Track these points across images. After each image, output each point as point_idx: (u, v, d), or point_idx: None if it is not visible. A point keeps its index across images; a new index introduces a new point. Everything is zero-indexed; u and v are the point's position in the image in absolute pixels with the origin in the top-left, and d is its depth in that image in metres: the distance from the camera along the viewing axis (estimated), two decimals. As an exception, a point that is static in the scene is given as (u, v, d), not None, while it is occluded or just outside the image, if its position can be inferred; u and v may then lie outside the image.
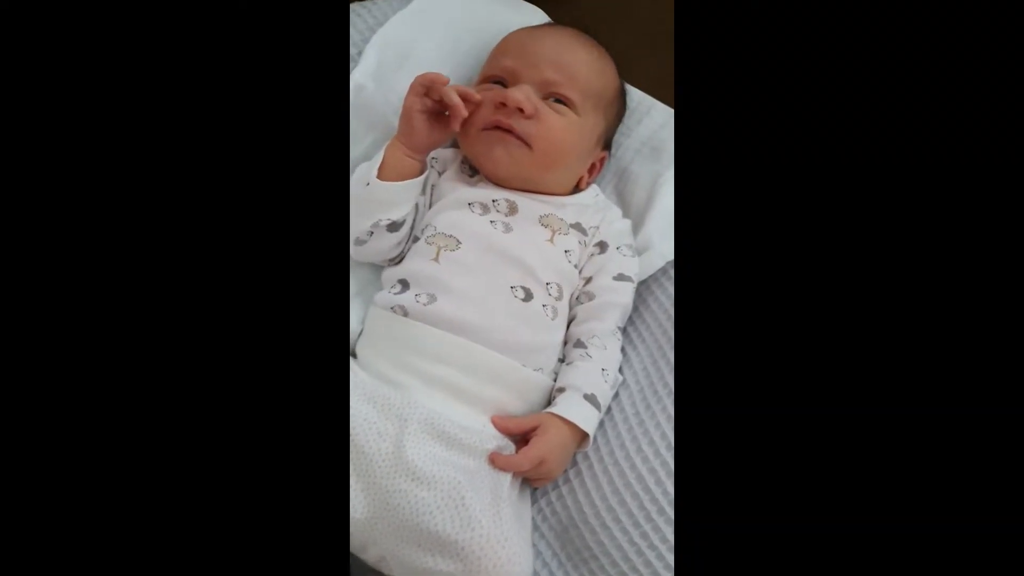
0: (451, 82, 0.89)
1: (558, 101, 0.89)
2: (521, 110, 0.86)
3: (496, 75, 0.91)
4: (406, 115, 0.87)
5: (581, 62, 0.91)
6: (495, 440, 0.79)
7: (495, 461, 0.77)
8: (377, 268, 0.93)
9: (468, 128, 0.89)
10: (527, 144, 0.87)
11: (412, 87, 0.87)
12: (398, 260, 0.91)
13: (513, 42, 0.94)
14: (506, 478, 0.77)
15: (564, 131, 0.88)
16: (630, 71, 1.03)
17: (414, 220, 0.91)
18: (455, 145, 0.96)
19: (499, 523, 0.73)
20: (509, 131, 0.86)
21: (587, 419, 0.81)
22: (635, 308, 0.93)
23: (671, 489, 0.79)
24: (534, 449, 0.78)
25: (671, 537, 0.77)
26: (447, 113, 0.87)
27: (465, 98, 0.86)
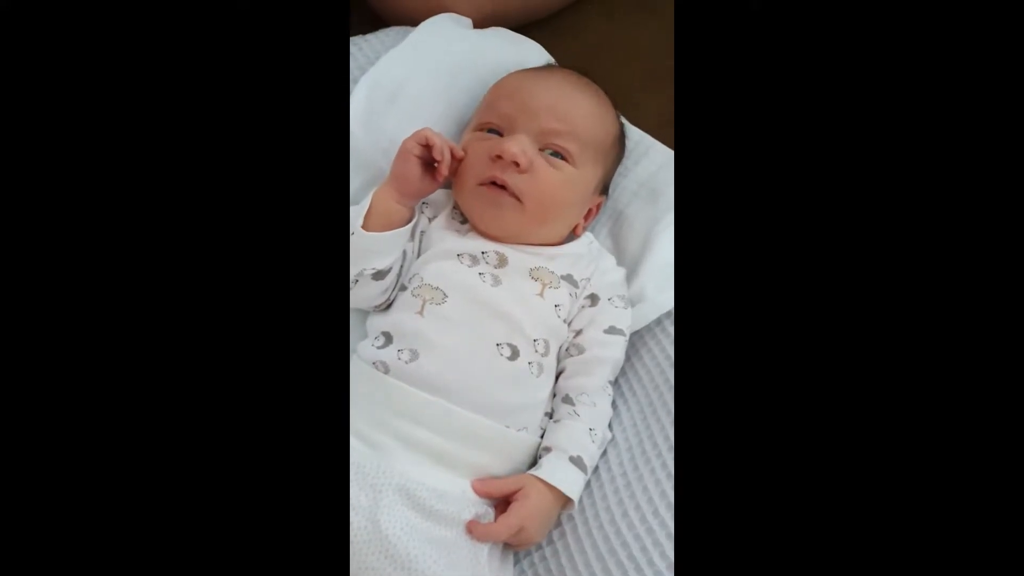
0: (445, 120, 0.86)
1: (555, 155, 0.86)
2: (516, 163, 0.83)
3: (492, 122, 0.88)
4: (402, 156, 0.85)
5: (581, 110, 0.88)
6: (474, 507, 0.77)
7: (472, 531, 0.75)
8: (362, 313, 0.91)
9: (463, 181, 0.87)
10: (519, 200, 0.84)
11: (415, 135, 0.85)
12: (385, 307, 0.88)
13: (510, 86, 0.91)
14: (484, 548, 0.75)
15: (559, 187, 0.86)
16: (630, 109, 1.00)
17: (401, 267, 0.89)
18: (448, 186, 0.94)
19: (477, 601, 0.71)
20: (503, 187, 0.84)
21: (572, 483, 0.79)
22: (628, 360, 0.90)
23: (656, 558, 0.77)
24: (513, 517, 0.76)
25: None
26: (436, 164, 0.85)
27: (451, 153, 0.85)
